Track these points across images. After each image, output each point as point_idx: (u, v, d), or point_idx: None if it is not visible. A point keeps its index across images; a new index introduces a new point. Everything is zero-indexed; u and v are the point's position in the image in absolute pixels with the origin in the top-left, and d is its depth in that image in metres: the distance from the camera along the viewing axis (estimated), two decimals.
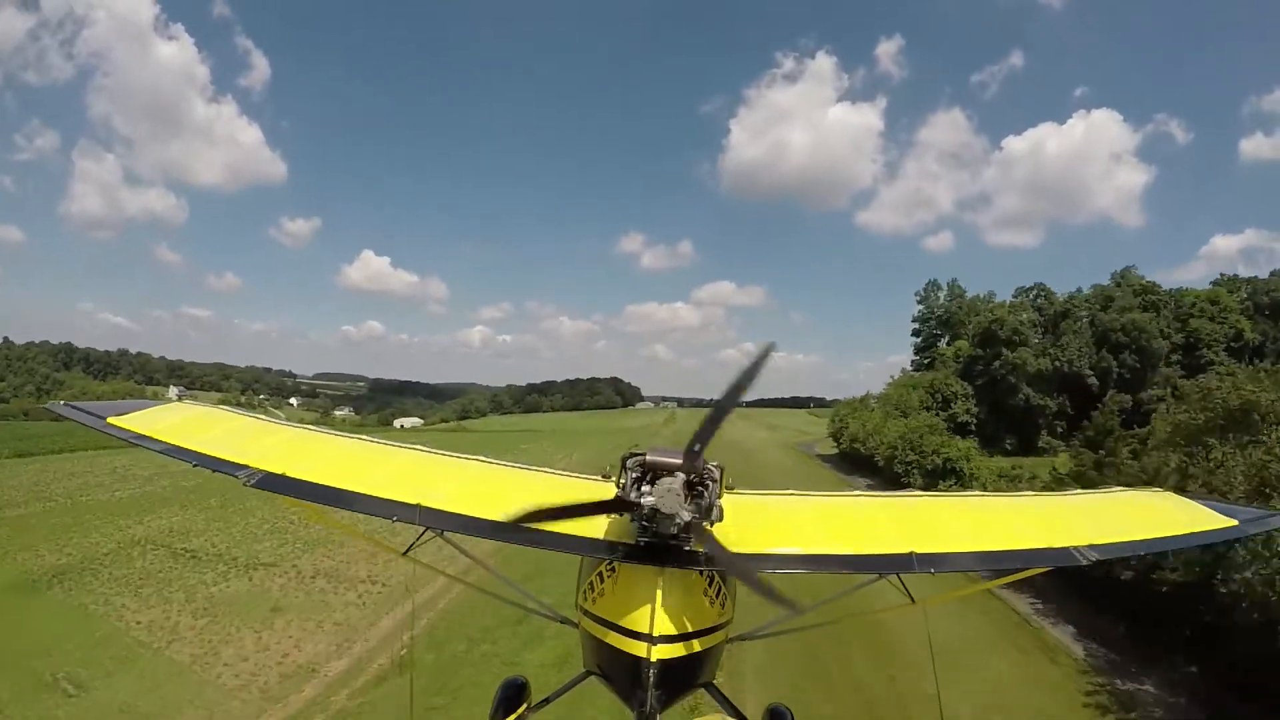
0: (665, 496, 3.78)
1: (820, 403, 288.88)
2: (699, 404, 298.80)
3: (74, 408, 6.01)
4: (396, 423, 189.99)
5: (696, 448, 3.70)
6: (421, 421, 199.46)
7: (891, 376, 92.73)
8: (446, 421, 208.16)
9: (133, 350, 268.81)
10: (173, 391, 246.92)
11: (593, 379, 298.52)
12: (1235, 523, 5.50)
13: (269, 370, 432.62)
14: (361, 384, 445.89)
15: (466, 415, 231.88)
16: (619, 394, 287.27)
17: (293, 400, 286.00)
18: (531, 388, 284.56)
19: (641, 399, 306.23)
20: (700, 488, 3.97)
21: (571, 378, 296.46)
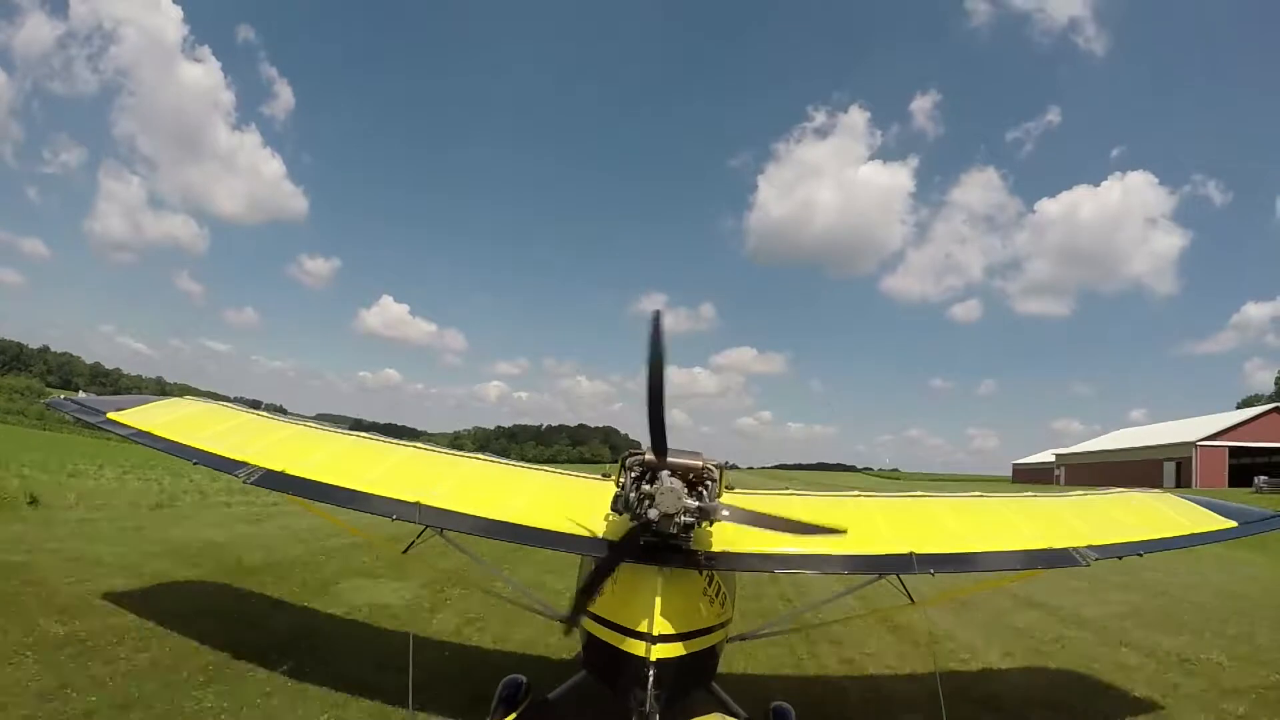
0: (666, 496, 3.69)
1: (850, 468, 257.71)
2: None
3: (73, 402, 6.22)
4: None
5: (660, 442, 3.72)
6: None
7: None
8: None
9: (56, 349, 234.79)
10: (80, 398, 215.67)
11: (580, 426, 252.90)
12: (1235, 524, 5.36)
13: (259, 404, 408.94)
14: (343, 424, 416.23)
15: None
16: (610, 446, 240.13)
17: None
18: (500, 432, 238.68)
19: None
20: (700, 487, 3.86)
21: (555, 424, 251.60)
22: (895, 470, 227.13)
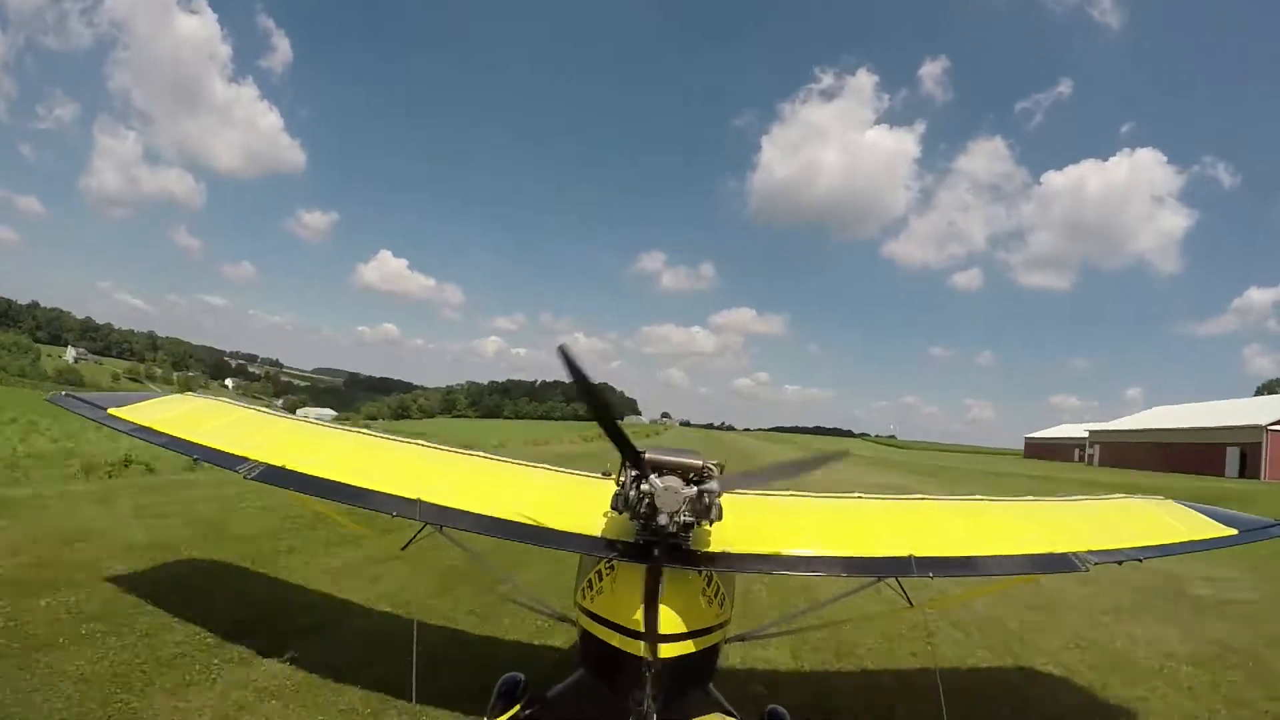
0: (664, 495, 3.70)
1: (846, 433, 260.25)
2: (709, 427, 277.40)
3: (74, 398, 6.05)
4: (299, 412, 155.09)
5: (636, 454, 3.76)
6: (333, 414, 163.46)
7: None
8: (374, 419, 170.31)
9: (46, 304, 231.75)
10: (70, 353, 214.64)
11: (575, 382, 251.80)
12: (1235, 531, 5.38)
13: (254, 358, 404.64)
14: (340, 378, 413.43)
15: (406, 414, 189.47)
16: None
17: (228, 382, 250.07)
18: (494, 387, 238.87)
19: (637, 414, 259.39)
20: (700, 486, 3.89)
21: (551, 380, 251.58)
22: (892, 437, 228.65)
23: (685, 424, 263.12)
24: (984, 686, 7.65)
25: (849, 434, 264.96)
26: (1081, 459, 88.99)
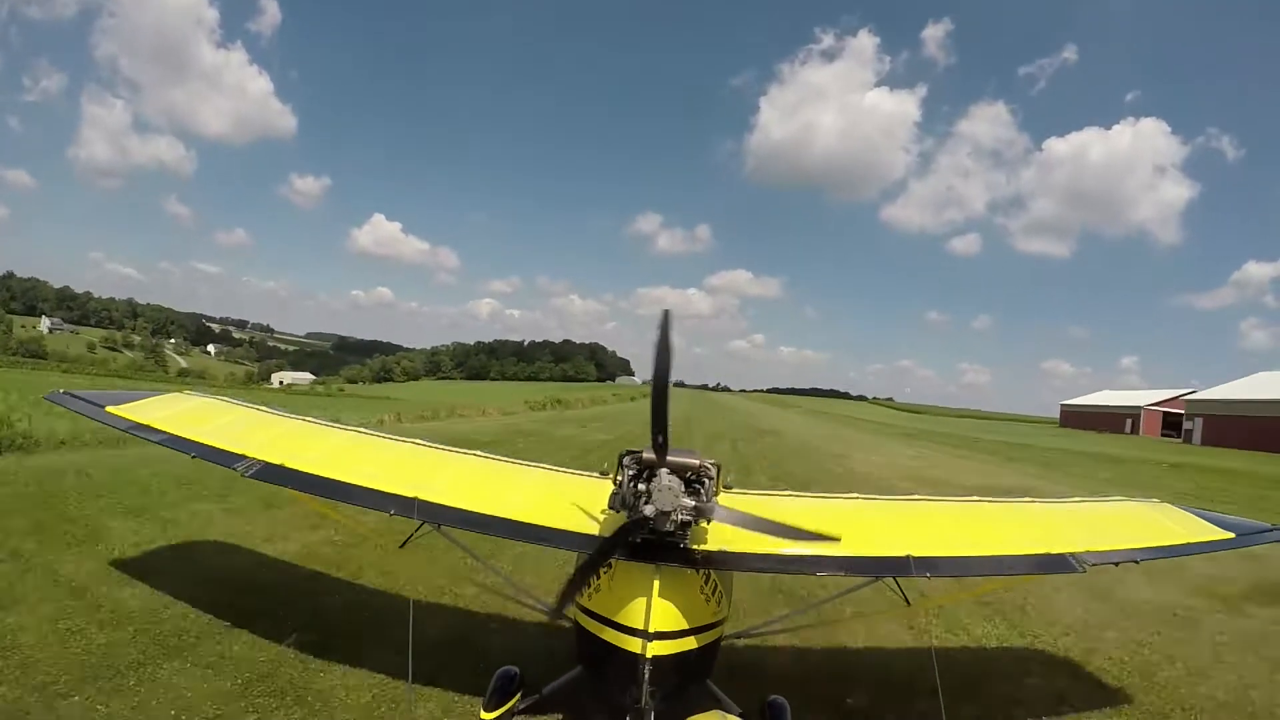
0: (662, 494, 3.80)
1: (843, 395, 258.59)
2: (704, 388, 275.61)
3: (72, 396, 6.19)
4: (275, 378, 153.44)
5: (660, 440, 3.79)
6: (312, 378, 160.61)
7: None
8: (354, 382, 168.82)
9: (22, 275, 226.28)
10: (44, 323, 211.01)
11: (565, 342, 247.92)
12: (1232, 535, 5.54)
13: (245, 323, 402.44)
14: (331, 341, 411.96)
15: (388, 377, 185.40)
16: (597, 364, 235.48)
17: (210, 348, 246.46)
18: (480, 347, 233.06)
19: (630, 375, 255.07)
20: (697, 485, 3.98)
21: (540, 339, 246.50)
22: (890, 400, 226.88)
23: (679, 385, 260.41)
24: (980, 668, 7.83)
25: (846, 395, 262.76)
26: (1134, 430, 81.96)
